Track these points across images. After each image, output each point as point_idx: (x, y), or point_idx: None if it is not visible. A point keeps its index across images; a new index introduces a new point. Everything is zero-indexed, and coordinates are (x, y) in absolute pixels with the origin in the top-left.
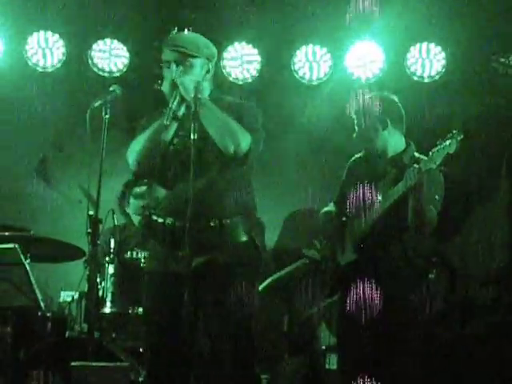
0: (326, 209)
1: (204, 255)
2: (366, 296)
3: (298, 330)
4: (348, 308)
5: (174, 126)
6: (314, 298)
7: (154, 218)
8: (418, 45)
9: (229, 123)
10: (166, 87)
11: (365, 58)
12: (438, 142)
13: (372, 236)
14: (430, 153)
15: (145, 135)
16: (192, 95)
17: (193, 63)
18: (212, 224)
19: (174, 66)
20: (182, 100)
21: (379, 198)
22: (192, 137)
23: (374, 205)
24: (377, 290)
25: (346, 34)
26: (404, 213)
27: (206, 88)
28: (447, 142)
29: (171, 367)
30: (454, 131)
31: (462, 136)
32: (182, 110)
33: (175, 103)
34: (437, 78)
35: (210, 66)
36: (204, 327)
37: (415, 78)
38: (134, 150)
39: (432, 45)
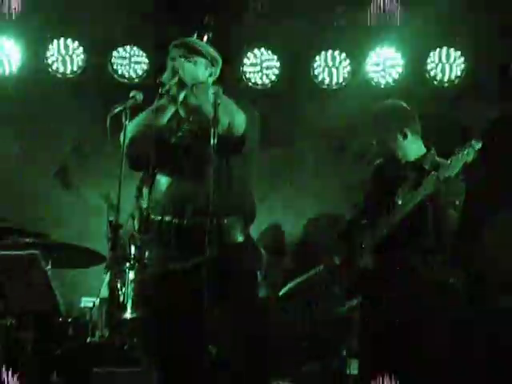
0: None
1: (201, 254)
2: (385, 300)
3: (320, 335)
4: (367, 312)
5: (171, 109)
6: (335, 303)
7: (152, 216)
8: (437, 50)
9: (224, 101)
10: (165, 76)
11: (384, 64)
12: (456, 151)
13: (391, 240)
14: (448, 161)
15: (138, 118)
16: (191, 78)
17: (197, 61)
18: (209, 222)
19: (179, 60)
20: (181, 84)
21: (399, 202)
22: (212, 141)
23: (393, 209)
24: (396, 294)
25: (366, 39)
26: (424, 217)
27: (209, 95)
28: (465, 151)
29: (180, 370)
30: (473, 140)
31: (479, 145)
32: (182, 95)
33: (172, 82)
34: (456, 82)
35: (213, 71)
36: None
37: (435, 83)
38: (128, 129)
39: (452, 49)
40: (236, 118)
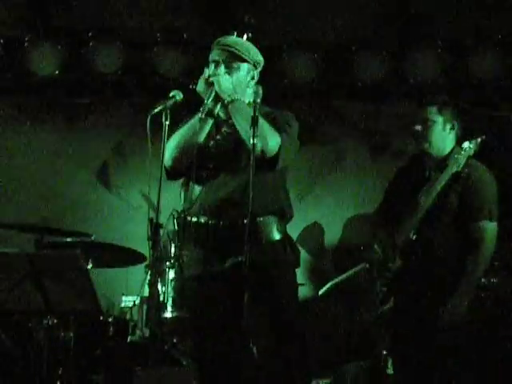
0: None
1: (238, 254)
2: (416, 304)
3: (359, 334)
4: (398, 316)
5: (210, 123)
6: (375, 302)
7: (188, 218)
8: None
9: (259, 124)
10: (200, 86)
11: None
12: (462, 145)
13: (417, 241)
14: (455, 156)
15: (179, 132)
16: (228, 94)
17: (240, 66)
18: (244, 222)
19: (222, 66)
20: (218, 98)
21: (421, 202)
22: (252, 141)
23: (416, 209)
24: (425, 297)
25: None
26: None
27: (249, 95)
28: (469, 145)
29: (221, 370)
30: (477, 133)
31: (483, 137)
32: (218, 107)
33: (210, 100)
34: None
35: (255, 73)
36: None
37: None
38: (169, 146)
39: None
40: (269, 143)
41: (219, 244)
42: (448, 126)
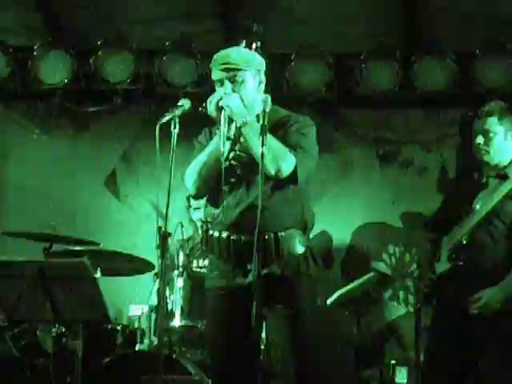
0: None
1: (262, 268)
2: (459, 308)
3: (368, 344)
4: (440, 319)
5: (228, 145)
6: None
7: (210, 232)
8: None
9: (271, 147)
10: (212, 110)
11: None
12: None
13: (468, 245)
14: None
15: (200, 160)
16: (240, 116)
17: (245, 77)
18: (266, 237)
19: (227, 85)
20: (231, 120)
21: (477, 207)
22: (261, 150)
23: (470, 214)
24: (470, 301)
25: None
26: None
27: (259, 101)
28: None
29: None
30: None
31: None
32: (233, 129)
33: (226, 128)
34: None
35: (262, 77)
36: (266, 341)
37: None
38: (192, 175)
39: None
40: (283, 166)
41: (241, 258)
42: (509, 135)
